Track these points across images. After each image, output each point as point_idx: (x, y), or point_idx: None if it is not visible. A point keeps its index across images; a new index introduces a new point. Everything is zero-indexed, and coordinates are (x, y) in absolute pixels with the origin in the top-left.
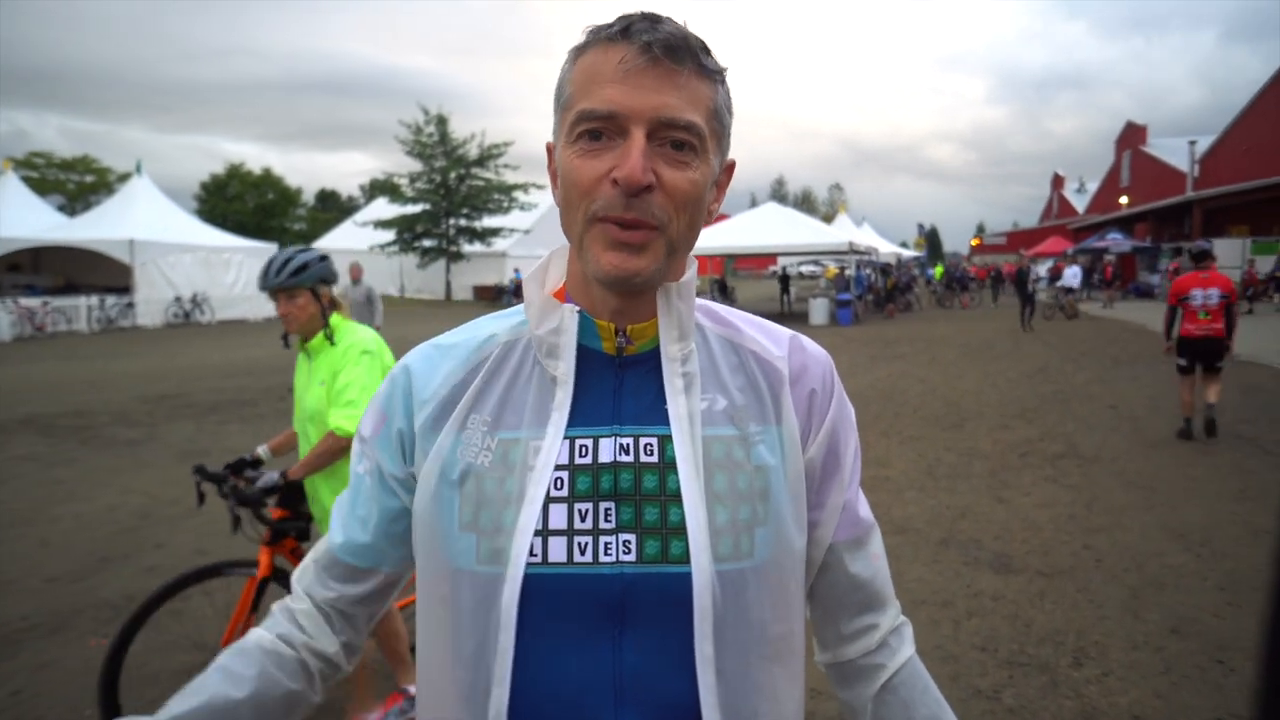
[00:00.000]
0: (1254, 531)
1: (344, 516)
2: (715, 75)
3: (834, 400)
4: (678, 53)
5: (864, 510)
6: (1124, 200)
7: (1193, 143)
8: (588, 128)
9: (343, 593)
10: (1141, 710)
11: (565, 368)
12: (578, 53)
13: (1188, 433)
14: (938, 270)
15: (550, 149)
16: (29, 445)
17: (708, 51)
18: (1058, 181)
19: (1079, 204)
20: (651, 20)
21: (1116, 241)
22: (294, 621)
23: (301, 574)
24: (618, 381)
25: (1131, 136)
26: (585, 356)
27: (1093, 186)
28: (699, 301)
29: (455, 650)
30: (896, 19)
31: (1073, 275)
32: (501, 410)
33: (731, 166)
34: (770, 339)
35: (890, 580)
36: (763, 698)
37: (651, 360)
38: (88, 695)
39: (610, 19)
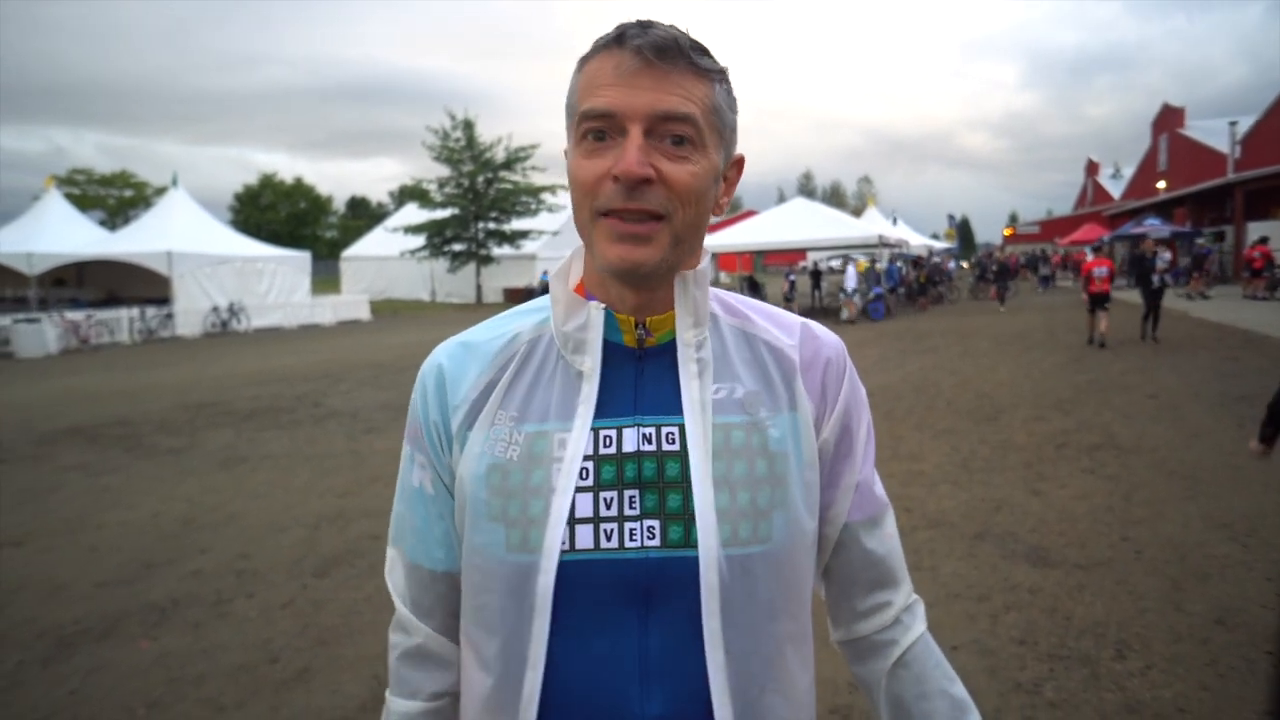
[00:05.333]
0: None
1: (419, 535)
2: (711, 74)
3: (846, 381)
4: (668, 53)
5: (879, 489)
6: (1161, 185)
7: (1233, 123)
8: (590, 127)
9: (448, 604)
10: (1187, 703)
11: (591, 362)
12: (582, 63)
13: (1092, 341)
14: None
15: (567, 154)
16: (77, 454)
17: (702, 52)
18: (1092, 168)
19: (1114, 190)
20: (643, 26)
21: (1155, 227)
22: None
23: (400, 621)
24: (638, 372)
25: (1169, 119)
26: (607, 349)
27: (1128, 171)
28: (713, 290)
29: (490, 633)
30: (924, 5)
31: (853, 276)
32: (527, 405)
33: (740, 162)
34: (781, 328)
35: (903, 559)
36: (771, 676)
37: (670, 351)
38: (139, 696)
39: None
